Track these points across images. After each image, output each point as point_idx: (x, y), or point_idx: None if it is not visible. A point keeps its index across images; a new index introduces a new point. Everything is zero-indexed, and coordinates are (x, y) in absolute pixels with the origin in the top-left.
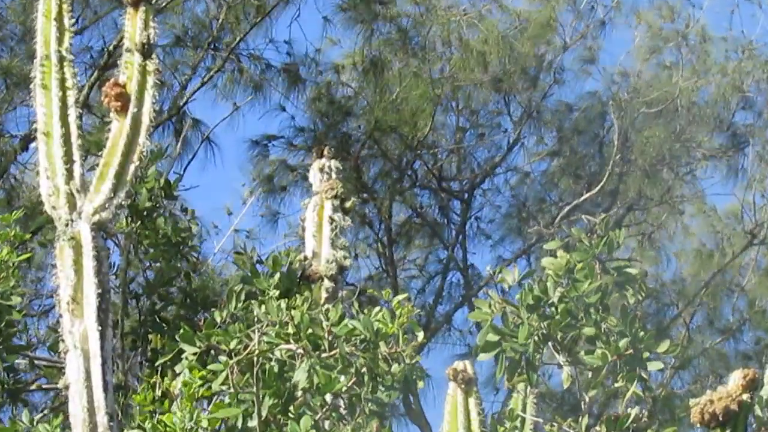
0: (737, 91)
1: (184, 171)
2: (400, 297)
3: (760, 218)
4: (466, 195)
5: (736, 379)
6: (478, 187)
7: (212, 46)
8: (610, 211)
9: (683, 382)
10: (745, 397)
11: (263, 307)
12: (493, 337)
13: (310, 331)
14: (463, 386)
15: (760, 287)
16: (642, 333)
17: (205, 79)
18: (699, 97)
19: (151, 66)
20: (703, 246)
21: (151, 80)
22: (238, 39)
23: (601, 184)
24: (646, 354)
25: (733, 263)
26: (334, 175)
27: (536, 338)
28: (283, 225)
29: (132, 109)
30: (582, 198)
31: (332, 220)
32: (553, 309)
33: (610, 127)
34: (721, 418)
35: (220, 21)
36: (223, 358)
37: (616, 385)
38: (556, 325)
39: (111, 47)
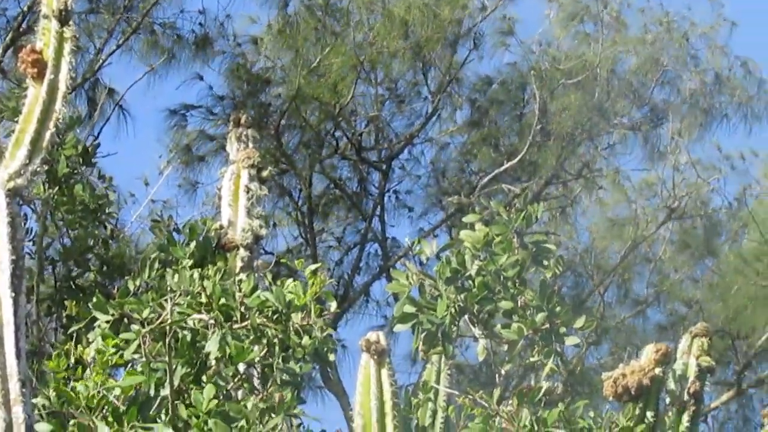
0: (656, 64)
1: (97, 138)
2: (313, 267)
3: (677, 193)
4: (384, 166)
5: (648, 353)
6: (397, 158)
7: (127, 12)
8: (529, 183)
9: (598, 356)
10: (658, 371)
11: (176, 276)
12: (410, 309)
13: (222, 301)
14: (376, 357)
15: (673, 260)
16: (559, 308)
17: (120, 42)
18: (619, 67)
19: (68, 33)
20: (618, 219)
21: (68, 47)
22: (152, 3)
23: (521, 154)
24: (563, 329)
25: (646, 236)
26: (251, 144)
27: (453, 311)
28: (202, 195)
29: (48, 75)
30: (502, 168)
31: (248, 189)
32: (470, 282)
33: (529, 98)
34: (633, 392)
35: None
36: (135, 326)
37: (532, 359)
38: (472, 298)
39: (25, 8)
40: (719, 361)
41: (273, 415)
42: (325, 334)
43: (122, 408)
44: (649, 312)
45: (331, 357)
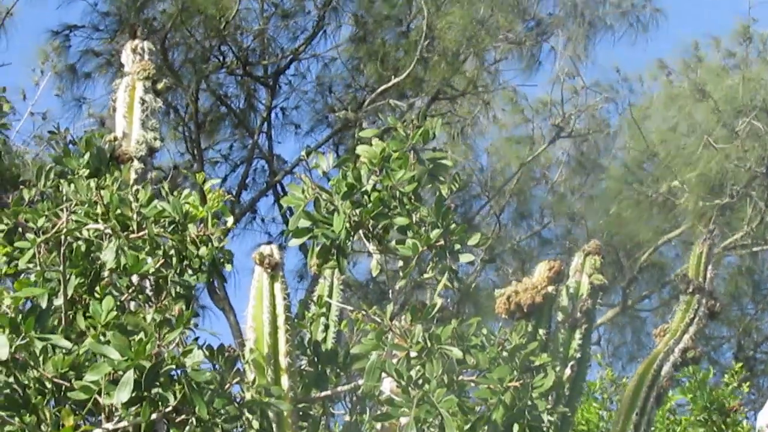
0: None
1: None
2: (213, 182)
3: (567, 111)
4: (270, 81)
5: (541, 271)
6: (283, 74)
7: None
8: (416, 99)
9: (490, 275)
10: (550, 289)
11: (72, 185)
12: (305, 223)
13: (118, 211)
14: (269, 270)
15: (569, 181)
16: (453, 225)
17: None
18: None
19: None
20: (515, 138)
21: None
22: None
23: (408, 70)
24: (458, 246)
25: (544, 156)
26: (146, 56)
27: (348, 225)
28: (85, 108)
29: None
30: (389, 84)
31: (143, 101)
32: (366, 197)
33: (416, 13)
34: (525, 309)
35: None
36: (30, 235)
37: (426, 276)
38: (368, 213)
39: None
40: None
41: (170, 328)
42: (222, 244)
43: (19, 318)
44: (543, 231)
45: (228, 267)
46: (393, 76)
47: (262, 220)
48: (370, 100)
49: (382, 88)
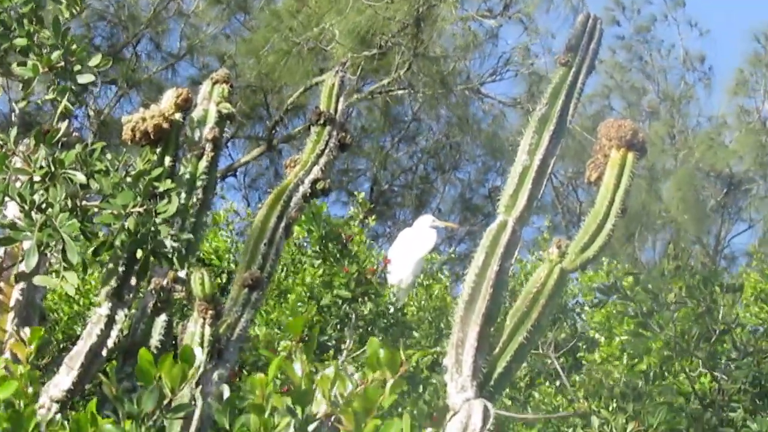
0: None
1: None
2: None
3: None
4: None
5: (169, 98)
6: None
7: None
8: None
9: (131, 107)
10: (178, 116)
11: None
12: None
13: None
14: None
15: (206, 14)
16: (75, 46)
17: None
18: None
19: None
20: None
21: None
22: None
23: None
24: (78, 67)
25: None
26: None
27: None
28: None
29: None
30: None
31: None
32: None
33: None
34: (152, 136)
35: None
36: None
37: (48, 97)
38: None
39: None
40: (251, 116)
41: None
42: None
43: None
44: (182, 66)
45: None
46: None
47: None
48: None
49: None
